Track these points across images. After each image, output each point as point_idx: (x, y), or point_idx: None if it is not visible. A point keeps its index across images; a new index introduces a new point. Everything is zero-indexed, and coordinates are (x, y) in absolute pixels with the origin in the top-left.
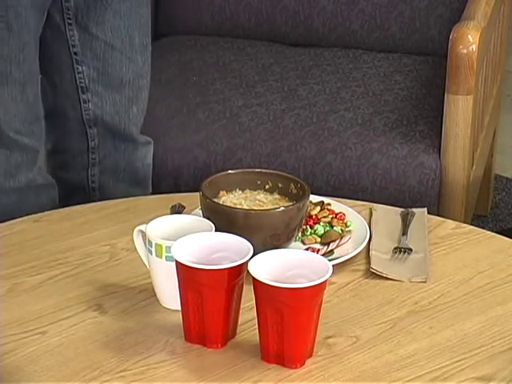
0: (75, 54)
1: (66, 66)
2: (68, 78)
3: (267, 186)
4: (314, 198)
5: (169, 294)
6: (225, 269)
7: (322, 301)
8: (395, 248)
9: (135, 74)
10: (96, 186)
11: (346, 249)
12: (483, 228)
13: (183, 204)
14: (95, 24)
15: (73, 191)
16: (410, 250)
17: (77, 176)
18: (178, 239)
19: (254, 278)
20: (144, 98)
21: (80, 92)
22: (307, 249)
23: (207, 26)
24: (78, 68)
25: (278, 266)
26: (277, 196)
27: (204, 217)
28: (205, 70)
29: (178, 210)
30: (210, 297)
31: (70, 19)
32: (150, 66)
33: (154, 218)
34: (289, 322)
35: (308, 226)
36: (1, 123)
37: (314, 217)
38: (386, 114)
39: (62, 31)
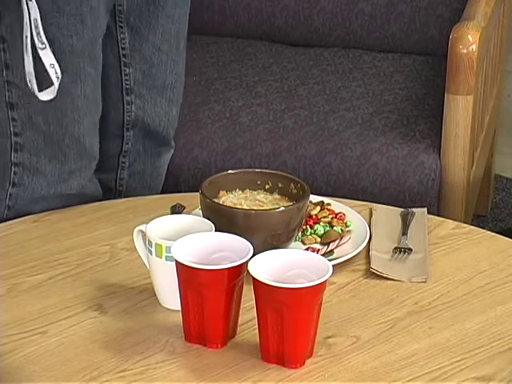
0: (124, 56)
1: (113, 68)
2: (113, 81)
3: (267, 186)
4: (313, 198)
5: (169, 294)
6: (225, 269)
7: (322, 301)
8: (395, 248)
9: (177, 76)
10: (123, 189)
11: (346, 249)
12: (483, 228)
13: (183, 204)
14: (147, 27)
15: None
16: (410, 249)
17: (105, 178)
18: (178, 239)
19: (254, 277)
20: (181, 101)
21: (124, 94)
22: (307, 249)
23: (207, 26)
24: (125, 70)
25: (277, 266)
26: (277, 196)
27: (204, 217)
28: (205, 70)
29: (177, 210)
30: (210, 297)
31: (121, 22)
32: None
33: (154, 218)
34: (289, 322)
35: (308, 226)
36: (68, 121)
37: (314, 217)
38: (386, 114)
39: (112, 34)
